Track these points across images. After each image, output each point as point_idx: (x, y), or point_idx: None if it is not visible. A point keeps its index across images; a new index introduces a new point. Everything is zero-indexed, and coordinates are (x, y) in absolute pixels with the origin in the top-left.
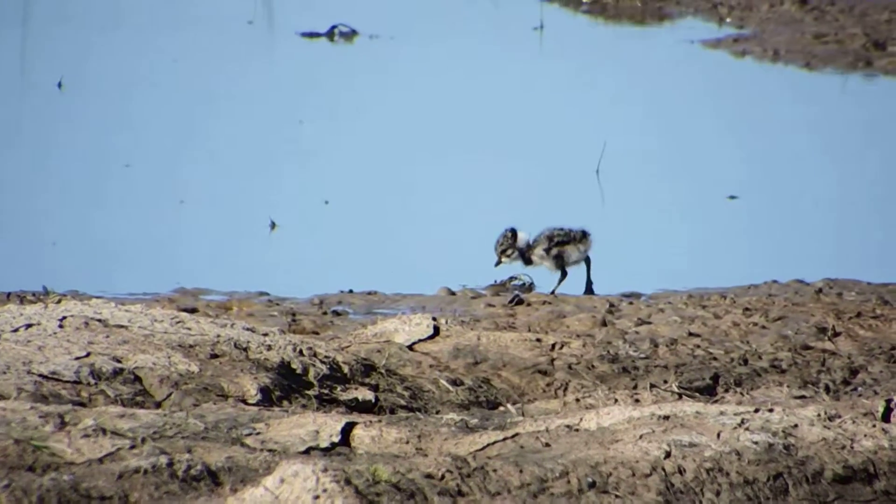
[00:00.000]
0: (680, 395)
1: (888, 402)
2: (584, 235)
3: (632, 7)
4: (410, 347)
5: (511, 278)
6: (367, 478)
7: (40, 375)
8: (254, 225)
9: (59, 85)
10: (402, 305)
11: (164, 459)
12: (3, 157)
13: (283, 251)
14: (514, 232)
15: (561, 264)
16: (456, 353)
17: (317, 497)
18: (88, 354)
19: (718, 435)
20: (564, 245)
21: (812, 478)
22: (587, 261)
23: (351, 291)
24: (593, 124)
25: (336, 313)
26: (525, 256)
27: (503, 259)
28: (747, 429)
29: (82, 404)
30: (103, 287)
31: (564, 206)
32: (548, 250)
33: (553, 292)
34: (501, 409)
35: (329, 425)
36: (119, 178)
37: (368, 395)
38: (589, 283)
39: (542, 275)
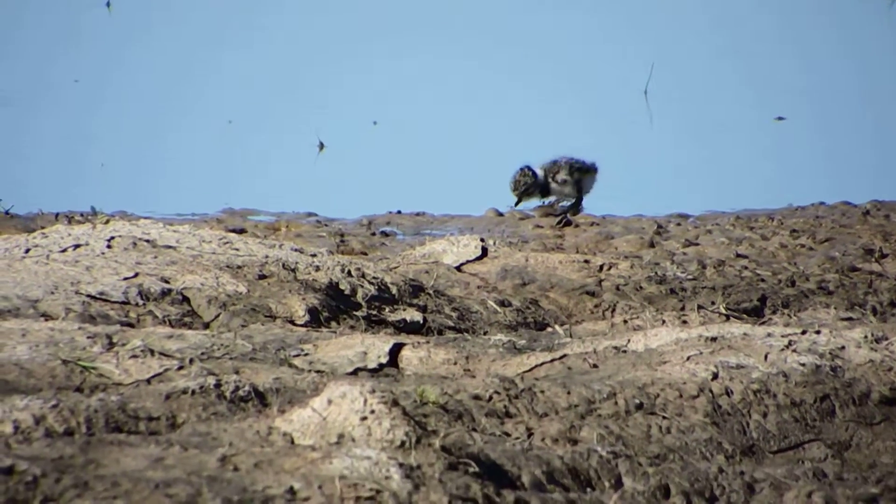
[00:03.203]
0: (727, 317)
1: None
2: (595, 169)
3: None
4: (458, 268)
5: (559, 199)
6: (415, 399)
7: (88, 296)
8: (302, 145)
9: (108, 4)
10: (451, 226)
11: (211, 380)
12: (52, 79)
13: (332, 172)
14: (531, 170)
15: (580, 189)
16: (504, 274)
17: (364, 418)
18: (136, 275)
19: (766, 357)
20: (584, 174)
21: (859, 399)
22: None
23: (399, 212)
24: (641, 44)
25: (384, 234)
26: (543, 187)
27: (524, 199)
28: (794, 350)
29: (130, 325)
30: (151, 207)
31: (612, 126)
32: (570, 175)
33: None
34: (549, 330)
35: (377, 346)
36: (167, 99)
37: (416, 316)
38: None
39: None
